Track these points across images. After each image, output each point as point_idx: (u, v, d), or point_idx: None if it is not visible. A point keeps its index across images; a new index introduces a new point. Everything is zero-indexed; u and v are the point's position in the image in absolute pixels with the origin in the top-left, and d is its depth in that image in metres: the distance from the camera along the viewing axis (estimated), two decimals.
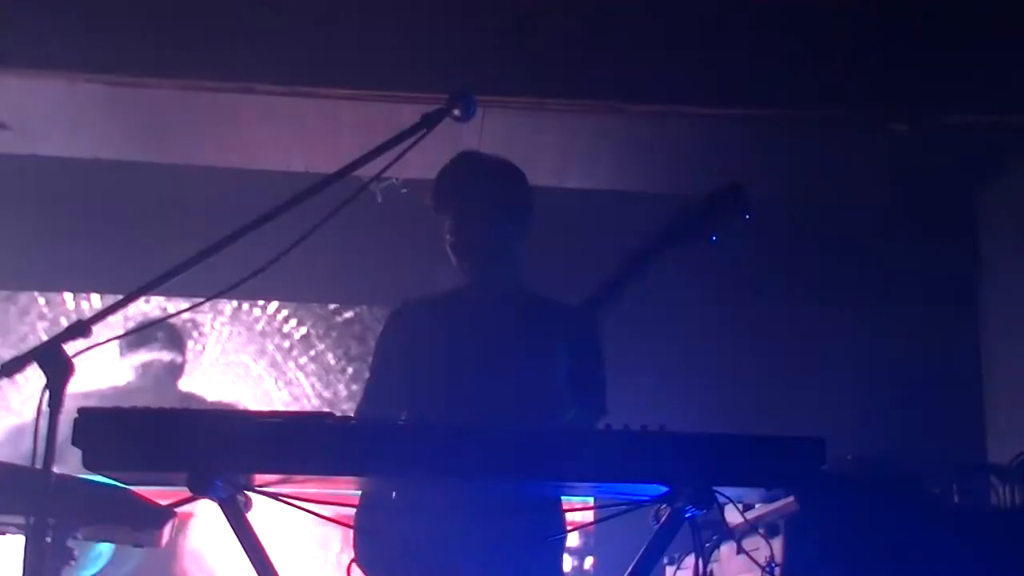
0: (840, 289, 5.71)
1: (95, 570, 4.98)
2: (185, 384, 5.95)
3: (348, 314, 5.88)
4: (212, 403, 5.82)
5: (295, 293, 5.78)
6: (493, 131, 4.55)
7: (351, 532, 2.53)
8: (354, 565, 2.50)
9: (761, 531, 2.69)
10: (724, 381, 5.48)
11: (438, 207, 2.96)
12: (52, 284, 5.97)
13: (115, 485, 2.18)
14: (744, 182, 2.89)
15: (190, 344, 5.92)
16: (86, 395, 5.39)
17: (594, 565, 5.44)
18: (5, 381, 1.85)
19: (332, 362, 5.84)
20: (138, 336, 5.64)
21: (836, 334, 5.69)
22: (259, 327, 6.03)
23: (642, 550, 2.06)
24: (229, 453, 1.87)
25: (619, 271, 2.83)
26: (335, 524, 2.24)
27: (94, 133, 5.36)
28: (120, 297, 2.01)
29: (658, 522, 2.03)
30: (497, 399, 2.72)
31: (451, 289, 3.06)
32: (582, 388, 2.86)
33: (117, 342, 5.65)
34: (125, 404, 1.93)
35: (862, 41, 4.61)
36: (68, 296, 5.93)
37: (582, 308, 2.98)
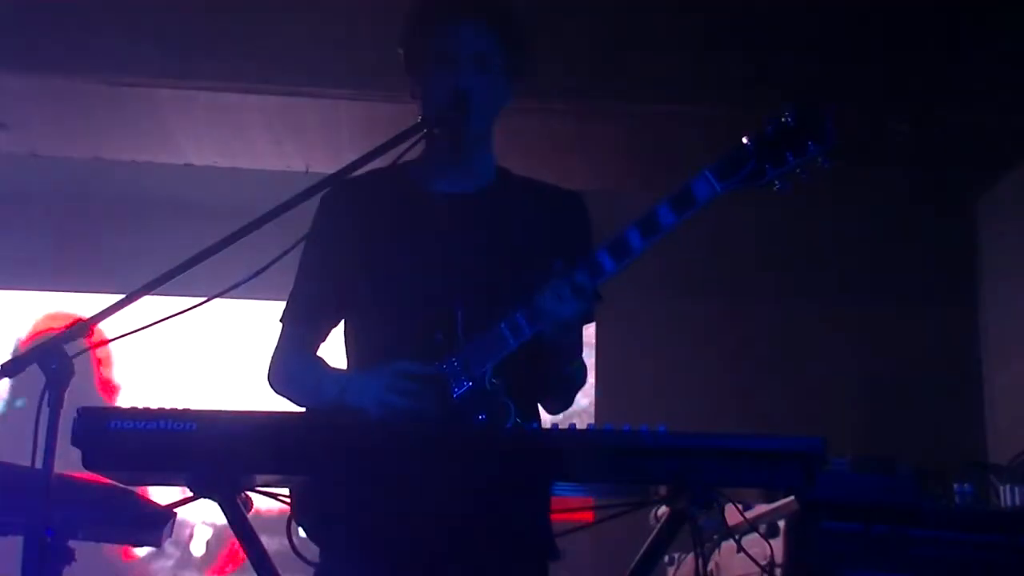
0: (840, 289, 5.72)
1: None
2: (185, 383, 5.96)
3: None
4: (212, 403, 5.83)
5: None
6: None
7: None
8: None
9: (761, 531, 2.69)
10: (724, 381, 5.49)
11: (416, 49, 2.40)
12: (52, 284, 5.98)
13: (115, 485, 2.18)
14: (815, 102, 2.26)
15: (190, 343, 5.93)
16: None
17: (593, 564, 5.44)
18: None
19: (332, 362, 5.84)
20: None
21: (836, 334, 5.69)
22: (259, 326, 6.03)
23: (642, 550, 2.06)
24: (229, 453, 1.87)
25: (652, 214, 2.22)
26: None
27: (94, 133, 5.36)
28: (120, 297, 2.01)
29: (658, 522, 2.03)
30: (482, 313, 2.23)
31: (401, 164, 2.37)
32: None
33: None
34: None
35: (863, 41, 4.61)
36: (69, 296, 5.94)
37: (572, 193, 2.49)
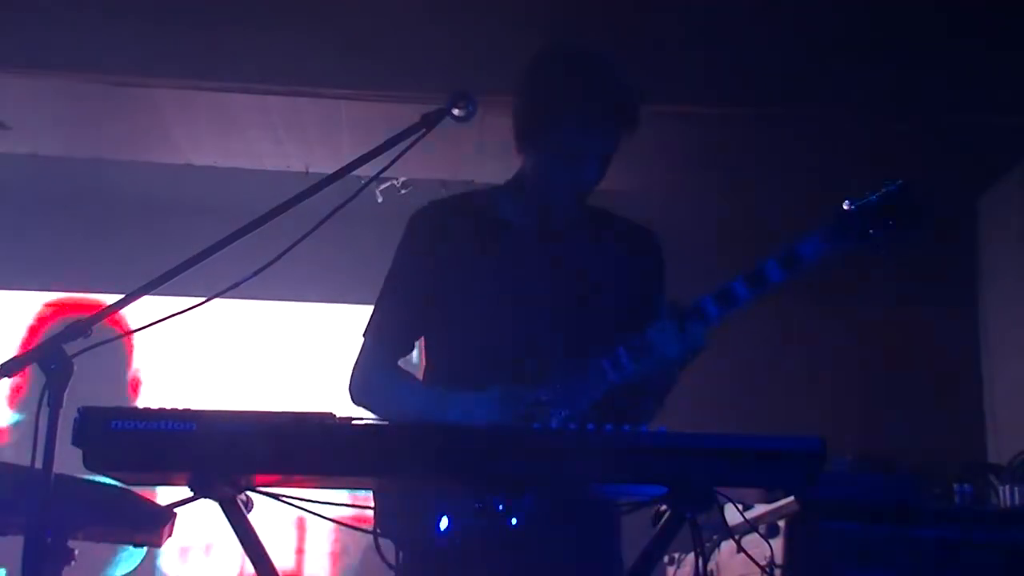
0: (840, 289, 5.71)
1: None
2: (185, 384, 5.96)
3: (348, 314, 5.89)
4: (212, 403, 5.83)
5: (295, 293, 5.79)
6: (493, 131, 4.55)
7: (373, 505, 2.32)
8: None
9: (761, 531, 2.69)
10: (724, 380, 5.48)
11: (581, 118, 2.36)
12: (52, 284, 5.98)
13: (115, 485, 2.18)
14: (918, 183, 2.40)
15: (191, 344, 5.93)
16: None
17: None
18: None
19: (333, 362, 5.85)
20: None
21: (836, 334, 5.69)
22: (259, 327, 6.03)
23: (642, 550, 2.06)
24: (230, 453, 1.86)
25: (759, 270, 2.41)
26: (337, 524, 2.24)
27: (94, 133, 5.36)
28: (120, 297, 2.01)
29: (658, 522, 2.03)
30: (569, 344, 2.35)
31: (489, 190, 2.58)
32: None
33: None
34: None
35: (862, 41, 4.61)
36: (68, 296, 5.93)
37: (647, 230, 2.58)
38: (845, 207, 2.42)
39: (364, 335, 2.55)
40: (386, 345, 2.53)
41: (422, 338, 2.57)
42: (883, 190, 2.41)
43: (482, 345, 2.41)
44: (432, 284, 2.48)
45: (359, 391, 2.50)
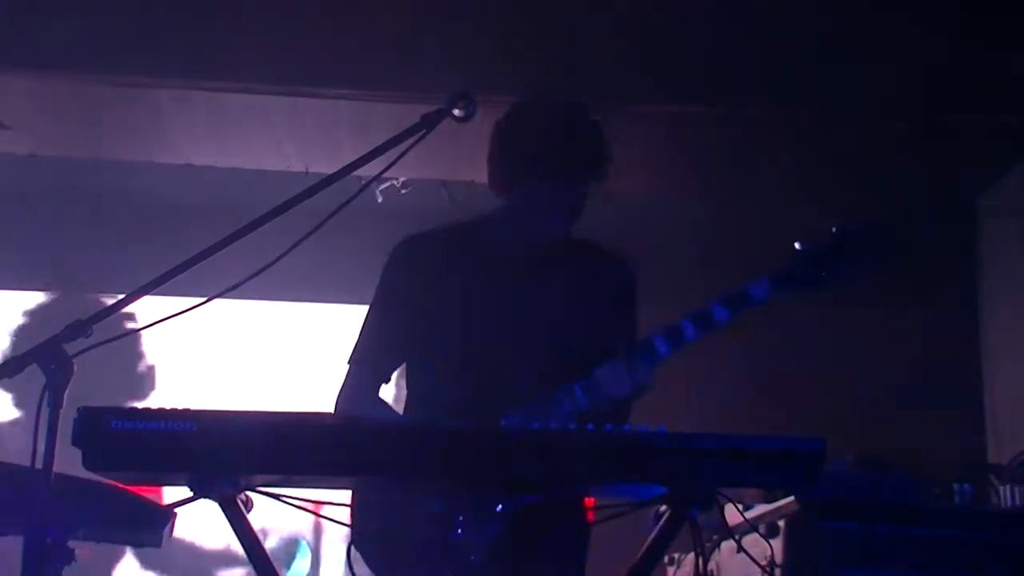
0: (840, 289, 5.71)
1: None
2: (184, 384, 5.96)
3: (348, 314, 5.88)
4: (212, 403, 5.83)
5: (295, 293, 5.79)
6: None
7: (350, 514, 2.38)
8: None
9: (761, 531, 2.69)
10: (724, 381, 5.48)
11: (570, 171, 2.54)
12: (51, 284, 5.97)
13: (115, 485, 2.18)
14: (876, 219, 2.55)
15: (191, 343, 5.93)
16: None
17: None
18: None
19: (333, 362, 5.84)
20: None
21: (836, 334, 5.68)
22: (259, 327, 6.03)
23: (642, 550, 2.06)
24: (229, 453, 1.87)
25: (707, 309, 2.49)
26: (336, 523, 2.24)
27: (94, 133, 5.36)
28: (120, 297, 2.01)
29: (658, 522, 2.03)
30: (542, 375, 2.47)
31: (472, 222, 2.70)
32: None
33: None
34: None
35: (862, 41, 4.60)
36: (68, 296, 5.93)
37: (624, 260, 2.71)
38: (796, 247, 2.55)
39: (348, 362, 2.64)
40: (368, 375, 2.63)
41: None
42: (834, 232, 2.55)
43: (456, 375, 2.52)
44: (412, 315, 2.58)
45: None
